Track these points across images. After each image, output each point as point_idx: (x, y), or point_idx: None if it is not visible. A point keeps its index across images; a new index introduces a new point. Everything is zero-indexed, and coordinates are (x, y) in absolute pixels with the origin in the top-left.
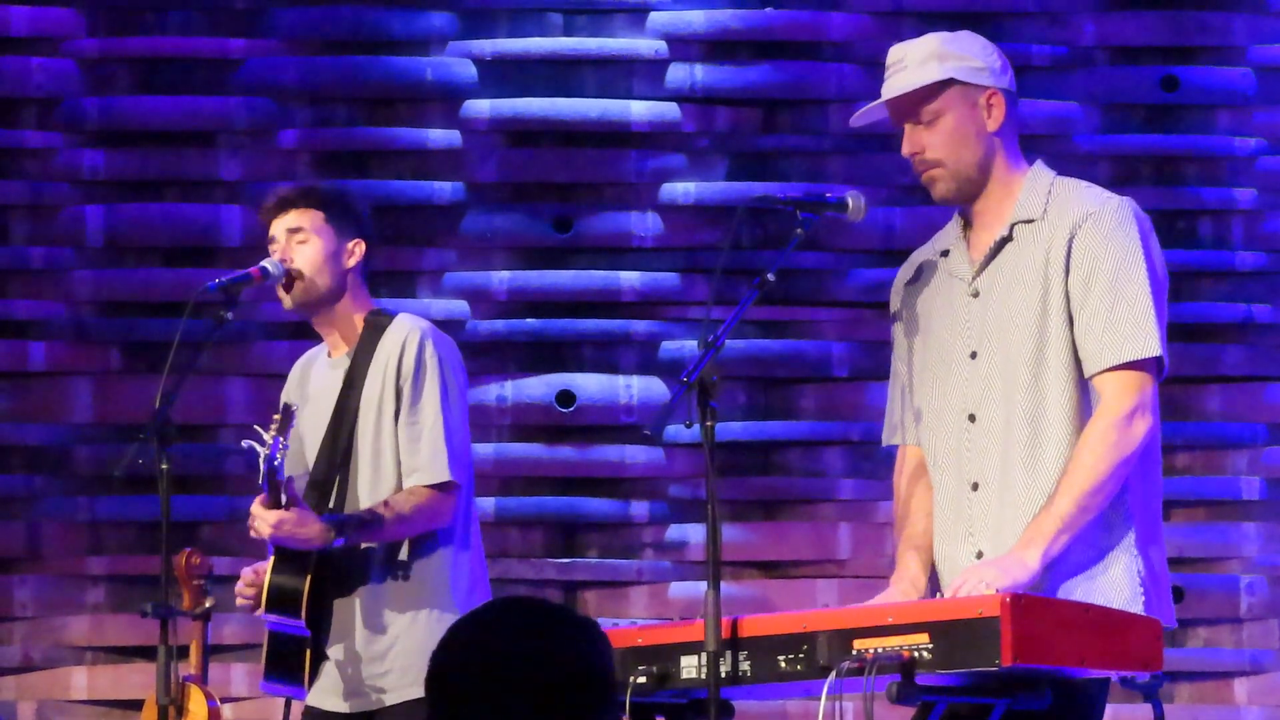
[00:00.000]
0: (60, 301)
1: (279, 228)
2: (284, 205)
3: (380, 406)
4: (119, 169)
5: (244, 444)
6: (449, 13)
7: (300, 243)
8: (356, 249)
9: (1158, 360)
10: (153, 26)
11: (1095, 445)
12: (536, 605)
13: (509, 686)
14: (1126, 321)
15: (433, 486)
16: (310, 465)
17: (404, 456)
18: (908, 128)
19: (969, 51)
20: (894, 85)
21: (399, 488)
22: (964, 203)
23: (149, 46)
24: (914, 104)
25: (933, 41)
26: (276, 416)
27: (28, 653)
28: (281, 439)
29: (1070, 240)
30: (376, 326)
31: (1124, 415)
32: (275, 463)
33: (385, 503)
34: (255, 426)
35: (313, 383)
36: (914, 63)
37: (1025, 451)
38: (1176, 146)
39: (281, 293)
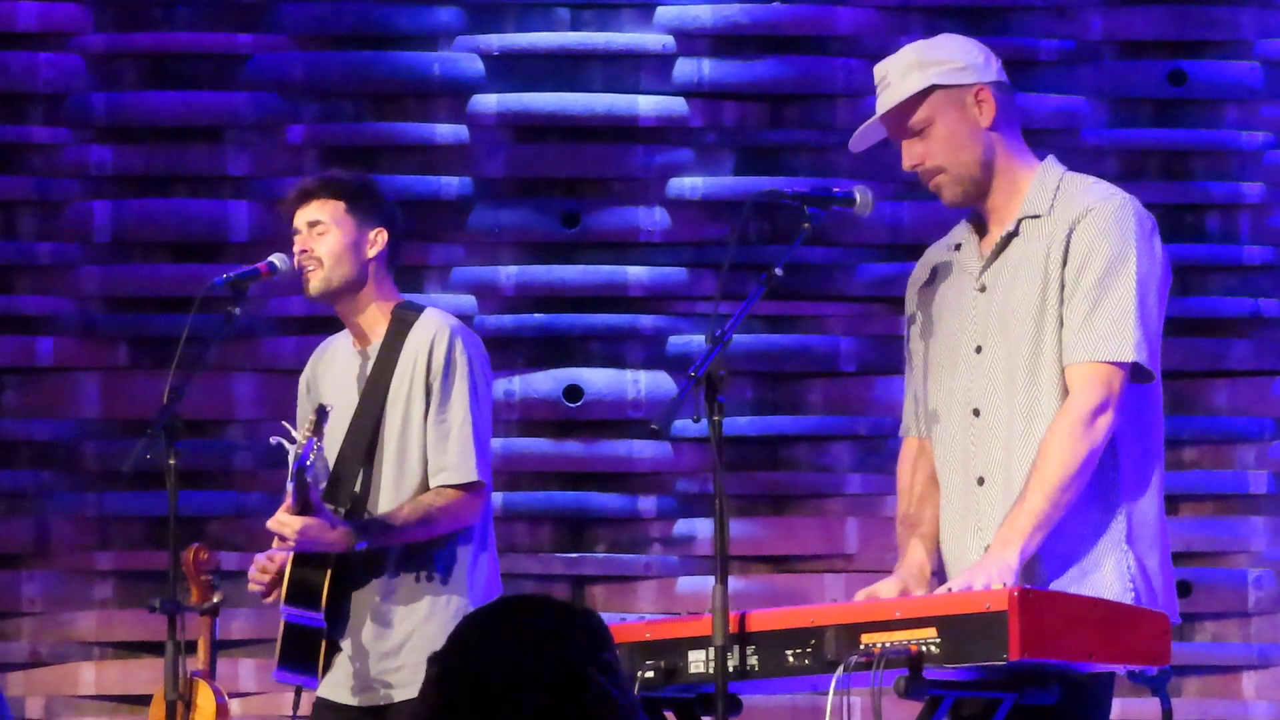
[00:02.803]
0: (68, 297)
1: (300, 220)
2: (304, 197)
3: (408, 403)
4: (126, 164)
5: (272, 440)
6: (456, 7)
7: (320, 234)
8: (378, 238)
9: (1133, 363)
10: (160, 22)
11: (1062, 440)
12: (536, 611)
13: (507, 704)
14: (1107, 321)
15: (459, 486)
16: (331, 458)
17: (431, 455)
18: (904, 142)
19: (948, 54)
20: (881, 104)
21: (423, 484)
22: (974, 203)
23: (156, 42)
24: (903, 117)
25: (911, 52)
26: (311, 417)
27: (36, 648)
28: (315, 440)
29: (1069, 234)
30: (404, 320)
31: (1088, 412)
32: (306, 463)
33: (411, 504)
34: (285, 424)
35: (333, 372)
36: (896, 78)
37: (1024, 446)
38: (1184, 141)
39: (303, 283)
